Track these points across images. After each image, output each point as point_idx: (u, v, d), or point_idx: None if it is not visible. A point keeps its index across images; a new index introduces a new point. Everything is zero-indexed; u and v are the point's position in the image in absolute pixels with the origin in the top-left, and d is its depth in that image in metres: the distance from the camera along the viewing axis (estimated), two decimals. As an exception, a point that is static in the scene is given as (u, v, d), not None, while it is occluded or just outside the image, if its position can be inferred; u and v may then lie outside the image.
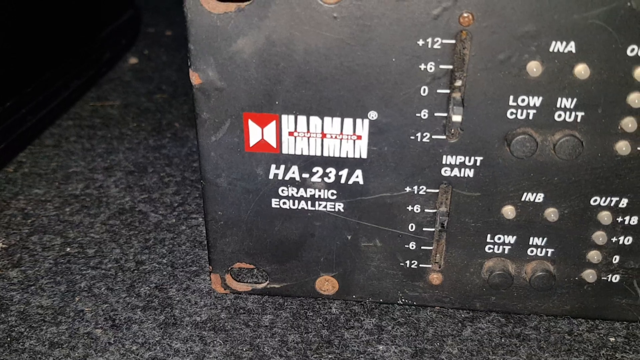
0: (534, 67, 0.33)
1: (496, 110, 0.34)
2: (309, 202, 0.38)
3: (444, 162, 0.36)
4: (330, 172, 0.37)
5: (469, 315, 0.41)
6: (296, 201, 0.38)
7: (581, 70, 0.33)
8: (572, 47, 0.33)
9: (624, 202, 0.36)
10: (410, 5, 0.33)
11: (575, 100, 0.34)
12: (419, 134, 0.36)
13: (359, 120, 0.36)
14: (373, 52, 0.34)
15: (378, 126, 0.36)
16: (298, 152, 0.37)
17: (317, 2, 0.33)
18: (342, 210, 0.38)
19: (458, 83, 0.34)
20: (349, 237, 0.39)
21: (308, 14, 0.33)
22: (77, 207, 0.51)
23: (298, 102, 0.36)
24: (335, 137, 0.36)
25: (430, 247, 0.39)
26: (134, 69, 0.80)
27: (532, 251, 0.38)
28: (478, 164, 0.36)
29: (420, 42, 0.33)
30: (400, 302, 0.41)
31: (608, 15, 0.32)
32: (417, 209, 0.38)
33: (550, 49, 0.33)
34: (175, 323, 0.40)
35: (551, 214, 0.37)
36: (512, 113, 0.34)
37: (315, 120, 0.36)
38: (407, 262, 0.39)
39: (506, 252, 0.38)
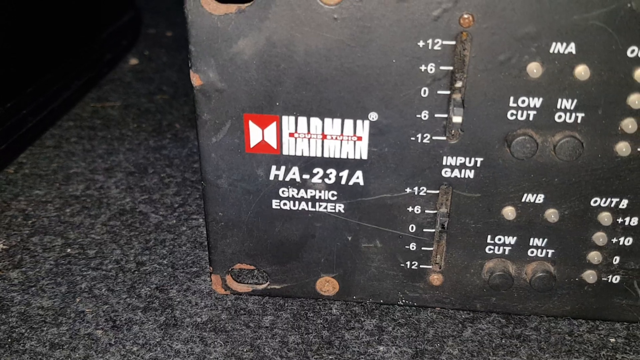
0: (534, 68, 0.33)
1: (496, 111, 0.34)
2: (310, 203, 0.38)
3: (444, 163, 0.36)
4: (331, 173, 0.37)
5: (470, 316, 0.41)
6: (297, 202, 0.38)
7: (581, 71, 0.33)
8: (572, 48, 0.33)
9: (624, 203, 0.36)
10: (411, 6, 0.33)
11: (575, 101, 0.34)
12: (419, 135, 0.36)
13: (359, 122, 0.36)
14: (373, 53, 0.34)
15: (378, 127, 0.36)
16: (298, 153, 0.37)
17: (318, 3, 0.33)
18: (342, 211, 0.38)
19: (458, 84, 0.34)
20: (350, 238, 0.39)
21: (308, 15, 0.33)
22: (78, 208, 0.51)
23: (298, 103, 0.36)
24: (336, 138, 0.36)
25: (431, 248, 0.39)
26: (134, 70, 0.80)
27: (532, 252, 0.38)
28: (478, 165, 0.36)
29: (421, 44, 0.33)
30: (400, 303, 0.41)
31: (608, 16, 0.32)
32: (417, 210, 0.38)
33: (551, 50, 0.33)
34: (175, 324, 0.40)
35: (551, 214, 0.37)
36: (512, 114, 0.34)
37: (315, 121, 0.36)
38: (408, 263, 0.39)
39: (506, 253, 0.38)
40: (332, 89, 0.35)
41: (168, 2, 1.03)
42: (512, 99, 0.34)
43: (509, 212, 0.37)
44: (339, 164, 0.37)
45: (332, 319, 0.40)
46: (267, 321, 0.40)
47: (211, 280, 0.42)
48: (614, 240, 0.37)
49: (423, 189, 0.37)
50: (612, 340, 0.39)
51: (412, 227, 0.38)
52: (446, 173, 0.37)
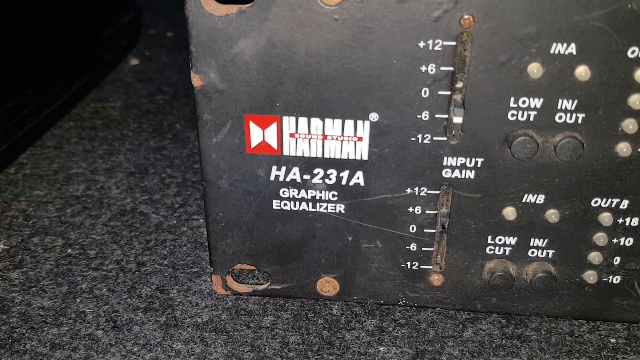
0: (534, 69, 0.33)
1: (497, 111, 0.35)
2: (310, 204, 0.38)
3: (444, 163, 0.36)
4: (331, 173, 0.37)
5: (470, 317, 0.41)
6: (297, 202, 0.38)
7: (582, 72, 0.33)
8: (572, 48, 0.33)
9: (624, 204, 0.36)
10: (411, 7, 0.33)
11: (576, 101, 0.34)
12: (419, 136, 0.36)
13: (360, 122, 0.36)
14: (374, 54, 0.34)
15: (379, 128, 0.36)
16: (299, 154, 0.37)
17: (318, 4, 0.33)
18: (343, 211, 0.38)
19: (459, 85, 0.34)
20: (350, 239, 0.39)
21: (309, 16, 0.33)
22: (78, 209, 0.51)
23: (299, 104, 0.36)
24: (336, 139, 0.36)
25: (431, 249, 0.39)
26: (135, 70, 0.80)
27: (533, 252, 0.38)
28: (479, 165, 0.36)
29: (421, 44, 0.33)
30: (401, 303, 0.41)
31: (609, 17, 0.32)
32: (418, 210, 0.38)
33: (551, 51, 0.33)
34: (176, 324, 0.40)
35: (552, 215, 0.37)
36: (512, 115, 0.34)
37: (316, 121, 0.36)
38: (408, 263, 0.39)
39: (507, 253, 0.39)
40: (332, 90, 0.35)
41: (168, 2, 1.03)
42: (512, 99, 0.34)
43: (509, 212, 0.37)
44: (339, 164, 0.37)
45: (332, 320, 0.40)
46: (267, 321, 0.40)
47: (212, 281, 0.42)
48: (615, 240, 0.37)
49: (424, 190, 0.37)
50: (613, 340, 0.39)
51: (413, 228, 0.38)
52: (447, 173, 0.37)
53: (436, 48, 0.33)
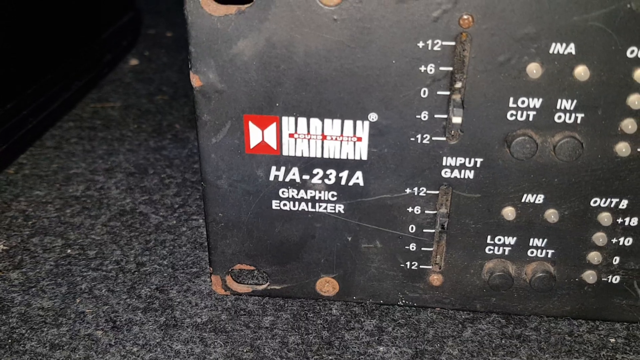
0: (533, 69, 0.33)
1: (496, 111, 0.35)
2: (310, 204, 0.38)
3: (444, 163, 0.36)
4: (331, 173, 0.38)
5: (470, 317, 0.41)
6: (296, 203, 0.38)
7: (581, 71, 0.33)
8: (571, 48, 0.33)
9: (624, 203, 0.36)
10: (410, 7, 0.33)
11: (575, 101, 0.34)
12: (419, 136, 0.36)
13: (359, 122, 0.36)
14: (373, 54, 0.34)
15: (378, 128, 0.36)
16: (298, 154, 0.37)
17: (317, 4, 0.33)
18: (342, 211, 0.38)
19: (458, 85, 0.34)
20: (350, 239, 0.39)
21: (308, 16, 0.33)
22: (78, 209, 0.51)
23: (298, 104, 0.36)
24: (336, 139, 0.36)
25: (431, 249, 0.39)
26: (134, 71, 0.80)
27: (532, 252, 0.38)
28: (478, 165, 0.36)
29: (420, 44, 0.33)
30: (400, 303, 0.41)
31: (608, 17, 0.32)
32: (417, 211, 0.38)
33: (550, 51, 0.33)
34: (175, 324, 0.40)
35: (551, 215, 0.37)
36: (512, 115, 0.34)
37: (315, 122, 0.36)
38: (408, 263, 0.39)
39: (506, 253, 0.39)
40: (332, 90, 0.35)
41: (168, 2, 1.03)
42: (511, 99, 0.34)
43: (508, 212, 0.37)
44: (338, 164, 0.37)
45: (332, 320, 0.40)
46: (267, 322, 0.40)
47: (211, 281, 0.42)
48: (614, 240, 0.37)
49: (423, 190, 0.37)
50: (612, 340, 0.39)
51: (412, 228, 0.38)
52: (446, 173, 0.37)
53: (435, 48, 0.33)
